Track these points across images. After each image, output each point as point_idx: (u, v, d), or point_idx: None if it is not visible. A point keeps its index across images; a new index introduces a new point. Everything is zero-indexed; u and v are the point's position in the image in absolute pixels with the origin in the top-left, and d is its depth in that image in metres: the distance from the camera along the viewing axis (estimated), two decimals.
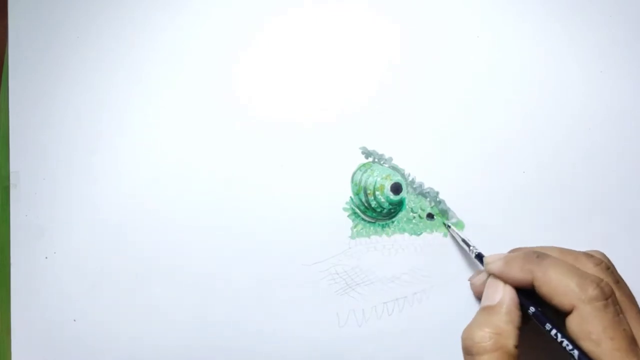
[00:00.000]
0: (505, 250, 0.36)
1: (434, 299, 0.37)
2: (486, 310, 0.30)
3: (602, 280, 0.28)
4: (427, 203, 0.38)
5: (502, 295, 0.30)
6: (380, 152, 0.39)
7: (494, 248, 0.37)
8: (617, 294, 0.28)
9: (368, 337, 0.37)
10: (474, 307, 0.36)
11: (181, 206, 0.39)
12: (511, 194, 0.38)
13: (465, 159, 0.38)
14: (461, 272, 0.37)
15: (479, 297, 0.33)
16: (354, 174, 0.39)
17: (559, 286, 0.28)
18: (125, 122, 0.40)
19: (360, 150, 0.39)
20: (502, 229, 0.38)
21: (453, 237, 0.37)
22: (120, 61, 0.41)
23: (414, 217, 0.38)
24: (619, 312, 0.27)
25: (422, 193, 0.38)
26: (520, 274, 0.30)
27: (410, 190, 0.38)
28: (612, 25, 0.40)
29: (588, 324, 0.26)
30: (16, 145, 0.40)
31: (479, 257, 0.34)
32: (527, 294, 0.30)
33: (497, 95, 0.39)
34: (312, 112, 0.39)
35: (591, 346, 0.26)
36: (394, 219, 0.38)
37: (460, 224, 0.38)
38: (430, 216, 0.38)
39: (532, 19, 0.40)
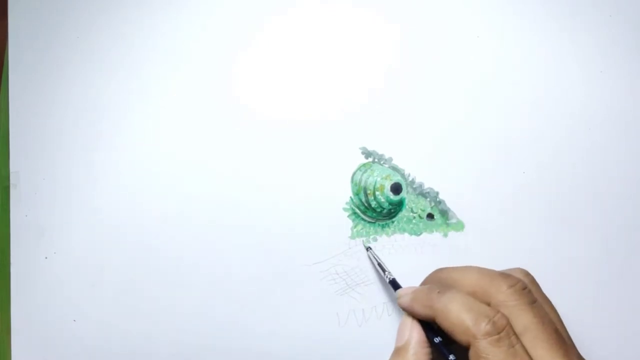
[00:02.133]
0: (505, 250, 0.36)
1: None
2: (396, 353, 0.31)
3: (496, 313, 0.28)
4: (427, 203, 0.38)
5: (409, 335, 0.31)
6: (380, 152, 0.39)
7: (494, 248, 0.37)
8: (529, 317, 0.28)
9: (368, 337, 0.37)
10: None
11: (181, 206, 0.39)
12: (511, 194, 0.38)
13: (465, 159, 0.38)
14: None
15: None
16: (354, 174, 0.39)
17: (455, 323, 0.28)
18: (125, 122, 0.40)
19: (360, 150, 0.39)
20: (502, 229, 0.38)
21: (370, 258, 0.37)
22: (120, 61, 0.41)
23: (414, 217, 0.38)
24: (513, 343, 0.27)
25: (422, 193, 0.38)
26: (423, 310, 0.30)
27: (410, 190, 0.38)
28: (612, 25, 0.40)
29: (482, 359, 0.27)
30: (16, 145, 0.40)
31: (393, 283, 0.35)
32: (436, 325, 0.30)
33: (497, 95, 0.39)
34: (312, 112, 0.39)
35: None
36: (394, 219, 0.38)
37: (460, 224, 0.38)
38: (430, 216, 0.38)
39: (532, 19, 0.40)
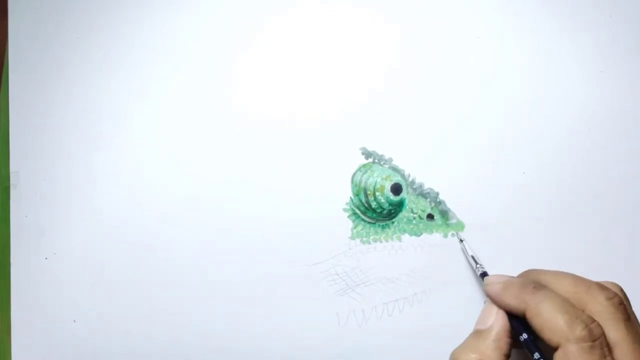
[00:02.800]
0: (505, 250, 0.36)
1: (434, 300, 0.37)
2: (476, 334, 0.31)
3: (593, 321, 0.27)
4: (427, 204, 0.38)
5: (494, 321, 0.30)
6: (380, 153, 0.39)
7: (493, 248, 0.37)
8: (622, 333, 0.28)
9: (368, 338, 0.37)
10: (473, 308, 0.36)
11: (181, 207, 0.39)
12: (511, 194, 0.38)
13: (466, 159, 0.38)
14: (461, 273, 0.37)
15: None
16: (354, 174, 0.39)
17: (548, 321, 0.28)
18: (125, 122, 0.40)
19: (360, 151, 0.39)
20: (502, 229, 0.38)
21: (463, 251, 0.37)
22: (120, 61, 0.41)
23: (414, 218, 0.38)
24: (605, 354, 0.27)
25: (422, 194, 0.38)
26: (513, 301, 0.30)
27: (411, 190, 0.38)
28: (612, 25, 0.40)
29: None
30: (16, 145, 0.40)
31: (483, 276, 0.35)
32: (522, 320, 0.30)
33: (497, 95, 0.39)
34: (312, 112, 0.39)
35: None
36: (394, 220, 0.38)
37: (460, 225, 0.38)
38: (430, 217, 0.38)
39: (532, 19, 0.40)
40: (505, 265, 0.37)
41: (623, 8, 0.40)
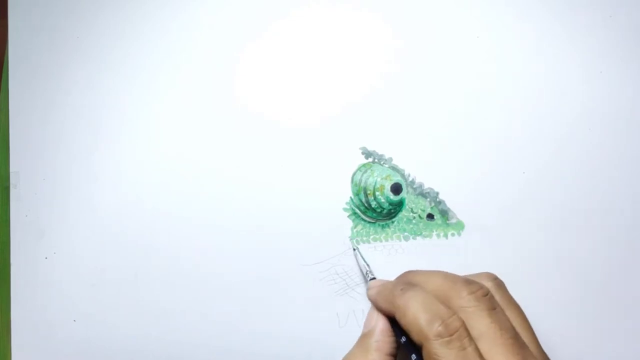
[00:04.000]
0: (505, 250, 0.36)
1: None
2: (361, 339, 0.32)
3: (451, 315, 0.28)
4: (427, 203, 0.38)
5: (375, 323, 0.31)
6: (380, 153, 0.39)
7: (493, 248, 0.37)
8: (486, 322, 0.28)
9: None
10: None
11: (180, 206, 0.39)
12: (511, 194, 0.38)
13: (465, 159, 0.38)
14: (461, 273, 0.37)
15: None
16: (354, 174, 0.39)
17: (412, 322, 0.28)
18: (125, 122, 0.40)
19: (360, 151, 0.39)
20: (502, 229, 0.38)
21: (356, 257, 0.38)
22: (121, 61, 0.41)
23: (414, 218, 0.38)
24: (465, 346, 0.27)
25: (422, 193, 0.38)
26: (385, 305, 0.31)
27: (410, 190, 0.38)
28: (612, 25, 0.40)
29: None
30: (16, 145, 0.40)
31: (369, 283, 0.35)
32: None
33: (497, 95, 0.39)
34: (313, 112, 0.39)
35: None
36: (394, 220, 0.38)
37: (460, 224, 0.38)
38: (430, 217, 0.38)
39: (532, 19, 0.40)
40: (505, 264, 0.37)
41: (623, 8, 0.40)
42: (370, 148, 0.39)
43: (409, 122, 0.39)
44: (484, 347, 0.27)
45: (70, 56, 0.41)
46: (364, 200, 0.38)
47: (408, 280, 0.32)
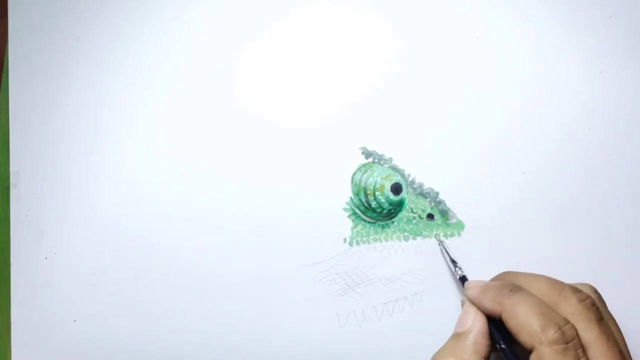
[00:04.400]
0: (505, 250, 0.36)
1: (434, 300, 0.37)
2: (454, 337, 0.31)
3: (567, 323, 0.27)
4: (427, 203, 0.38)
5: (472, 324, 0.30)
6: (380, 153, 0.39)
7: (494, 248, 0.37)
8: (595, 332, 0.28)
9: (368, 337, 0.37)
10: None
11: (181, 206, 0.39)
12: (511, 194, 0.38)
13: (465, 159, 0.38)
14: (461, 273, 0.37)
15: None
16: (354, 174, 0.39)
17: (523, 324, 0.28)
18: (125, 122, 0.40)
19: (360, 151, 0.39)
20: (502, 229, 0.38)
21: (442, 253, 0.37)
22: (121, 61, 0.41)
23: (414, 218, 0.38)
24: (579, 356, 0.27)
25: (422, 193, 0.38)
26: (490, 304, 0.30)
27: (410, 190, 0.38)
28: (612, 25, 0.40)
29: None
30: (16, 145, 0.40)
31: (462, 279, 0.35)
32: (501, 324, 0.30)
33: (497, 95, 0.39)
34: (313, 112, 0.39)
35: None
36: (394, 220, 0.38)
37: (460, 224, 0.38)
38: (430, 216, 0.38)
39: (532, 19, 0.40)
40: (505, 264, 0.37)
41: (623, 8, 0.40)
42: (370, 148, 0.39)
43: (409, 122, 0.39)
44: (592, 357, 0.27)
45: (70, 56, 0.41)
46: (364, 200, 0.38)
47: (513, 281, 0.31)
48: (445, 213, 0.38)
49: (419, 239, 0.38)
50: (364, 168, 0.39)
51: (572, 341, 0.27)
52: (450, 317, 0.37)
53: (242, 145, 0.39)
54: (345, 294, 0.38)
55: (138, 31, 0.41)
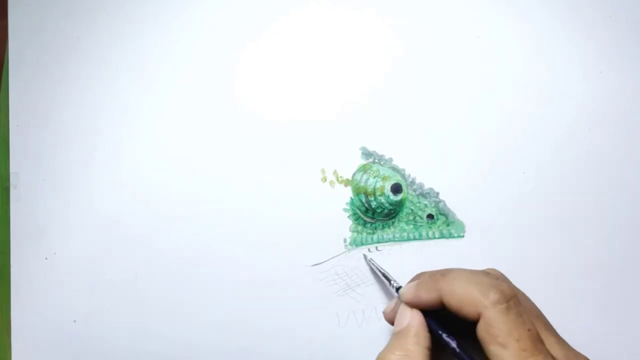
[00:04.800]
0: (505, 250, 0.36)
1: None
2: (396, 335, 0.31)
3: (502, 284, 0.28)
4: (427, 204, 0.38)
5: (410, 319, 0.31)
6: (380, 153, 0.39)
7: (494, 248, 0.37)
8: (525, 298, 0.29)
9: (368, 338, 0.37)
10: None
11: (180, 207, 0.39)
12: (511, 194, 0.38)
13: (465, 159, 0.38)
14: None
15: (392, 324, 0.34)
16: (354, 174, 0.39)
17: (463, 296, 0.28)
18: (125, 122, 0.40)
19: (360, 151, 0.39)
20: (502, 229, 0.38)
21: (372, 269, 0.38)
22: (120, 61, 0.41)
23: (414, 218, 0.38)
24: (522, 312, 0.27)
25: (422, 194, 0.38)
26: (428, 294, 0.30)
27: (411, 191, 0.38)
28: (612, 25, 0.40)
29: (493, 328, 0.27)
30: (16, 146, 0.40)
31: (398, 290, 0.34)
32: (441, 316, 0.30)
33: (497, 95, 0.39)
34: (313, 112, 0.39)
35: (498, 350, 0.26)
36: (394, 220, 0.38)
37: (460, 224, 0.38)
38: (430, 217, 0.38)
39: (532, 19, 0.40)
40: (505, 265, 0.37)
41: (623, 8, 0.40)
42: (370, 148, 0.39)
43: (409, 122, 0.39)
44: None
45: (70, 56, 0.41)
46: (364, 200, 0.38)
47: (441, 270, 0.32)
48: (445, 213, 0.38)
49: (419, 239, 0.38)
50: (364, 168, 0.39)
51: (512, 299, 0.27)
52: None
53: (242, 145, 0.39)
54: (346, 294, 0.38)
55: (138, 31, 0.41)
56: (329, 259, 0.38)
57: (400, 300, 0.33)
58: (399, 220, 0.38)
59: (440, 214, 0.38)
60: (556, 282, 0.37)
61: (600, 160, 0.38)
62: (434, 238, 0.38)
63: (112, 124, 0.40)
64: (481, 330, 0.27)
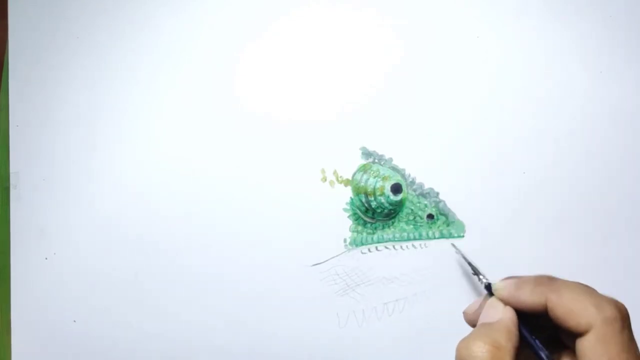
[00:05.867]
0: (505, 249, 0.36)
1: (434, 300, 0.37)
2: (486, 326, 0.29)
3: (618, 301, 0.27)
4: (427, 203, 0.38)
5: (503, 315, 0.30)
6: (380, 153, 0.39)
7: (494, 248, 0.37)
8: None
9: (368, 338, 0.37)
10: None
11: (180, 206, 0.39)
12: (511, 194, 0.38)
13: (466, 159, 0.38)
14: (461, 273, 0.37)
15: (473, 326, 0.32)
16: (354, 174, 0.39)
17: (574, 307, 0.27)
18: (125, 122, 0.40)
19: (360, 151, 0.39)
20: (503, 229, 0.38)
21: (462, 261, 0.37)
22: (120, 61, 0.41)
23: (414, 218, 0.38)
24: (632, 337, 0.26)
25: (423, 194, 0.38)
26: (532, 297, 0.29)
27: (411, 190, 0.38)
28: (612, 25, 0.40)
29: (603, 346, 0.26)
30: (16, 145, 0.40)
31: (488, 287, 0.33)
32: (529, 323, 0.29)
33: (497, 95, 0.39)
34: (313, 112, 0.39)
35: None
36: (394, 220, 0.38)
37: (460, 225, 0.38)
38: (430, 217, 0.38)
39: (532, 19, 0.40)
40: (505, 264, 0.37)
41: (623, 8, 0.40)
42: (370, 148, 0.39)
43: (409, 122, 0.39)
44: None
45: (70, 56, 0.41)
46: (364, 200, 0.38)
47: (546, 275, 0.31)
48: (445, 213, 0.38)
49: (419, 239, 0.38)
50: (364, 168, 0.39)
51: (628, 319, 0.26)
52: (450, 318, 0.37)
53: (242, 145, 0.39)
54: (346, 294, 0.38)
55: (138, 31, 0.41)
56: (329, 259, 0.38)
57: (490, 296, 0.31)
58: (399, 220, 0.38)
59: (440, 214, 0.38)
60: None
61: (601, 160, 0.38)
62: (434, 238, 0.38)
63: (112, 124, 0.40)
64: (588, 344, 0.26)
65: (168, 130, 0.40)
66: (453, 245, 0.37)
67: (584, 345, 0.26)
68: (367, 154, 0.39)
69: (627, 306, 0.37)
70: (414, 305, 0.37)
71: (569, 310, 0.27)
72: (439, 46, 0.40)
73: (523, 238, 0.38)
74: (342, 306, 0.37)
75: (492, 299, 0.31)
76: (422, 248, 0.38)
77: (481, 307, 0.32)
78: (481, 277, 0.34)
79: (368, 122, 0.39)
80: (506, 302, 0.30)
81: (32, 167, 0.40)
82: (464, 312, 0.33)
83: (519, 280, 0.30)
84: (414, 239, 0.38)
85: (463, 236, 0.38)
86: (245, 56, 0.40)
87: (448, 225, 0.38)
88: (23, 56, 0.41)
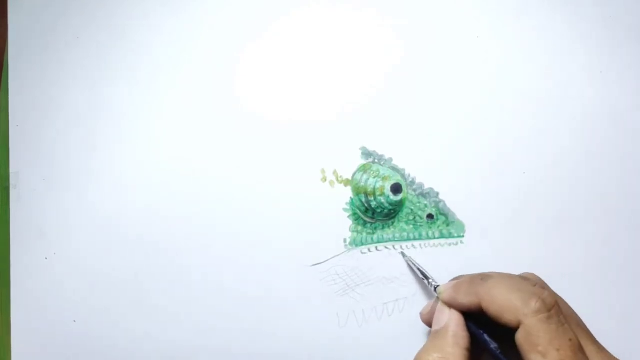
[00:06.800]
0: (505, 250, 0.36)
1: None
2: (434, 335, 0.31)
3: (544, 292, 0.28)
4: (428, 204, 0.38)
5: (448, 319, 0.31)
6: (380, 153, 0.39)
7: (494, 248, 0.37)
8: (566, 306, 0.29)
9: (368, 338, 0.37)
10: None
11: (180, 207, 0.39)
12: (511, 194, 0.38)
13: (466, 159, 0.38)
14: (460, 273, 0.37)
15: (429, 326, 0.34)
16: (354, 174, 0.39)
17: (503, 304, 0.28)
18: (125, 122, 0.40)
19: (360, 151, 0.39)
20: (502, 229, 0.38)
21: (410, 266, 0.37)
22: (120, 61, 0.41)
23: (414, 218, 0.38)
24: (563, 322, 0.27)
25: (423, 194, 0.38)
26: (467, 298, 0.30)
27: (411, 190, 0.38)
28: (612, 25, 0.40)
29: (533, 337, 0.27)
30: (16, 145, 0.40)
31: (437, 289, 0.35)
32: (480, 319, 0.30)
33: (497, 95, 0.39)
34: (313, 112, 0.39)
35: (538, 358, 0.26)
36: (394, 220, 0.38)
37: (460, 225, 0.38)
38: (430, 217, 0.38)
39: (532, 19, 0.40)
40: (505, 265, 0.37)
41: (623, 8, 0.40)
42: (370, 148, 0.39)
43: (409, 122, 0.39)
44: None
45: (70, 56, 0.41)
46: (364, 200, 0.38)
47: (481, 274, 0.32)
48: (445, 213, 0.38)
49: (419, 239, 0.38)
50: (364, 168, 0.39)
51: (554, 308, 0.27)
52: None
53: (242, 145, 0.39)
54: (346, 294, 0.38)
55: (138, 31, 0.41)
56: (329, 259, 0.38)
57: (438, 299, 0.32)
58: (399, 220, 0.38)
59: (440, 214, 0.38)
60: (556, 282, 0.37)
61: (601, 160, 0.38)
62: (434, 238, 0.38)
63: (112, 124, 0.40)
64: (521, 338, 0.27)
65: (168, 130, 0.40)
66: (402, 253, 0.38)
67: (518, 339, 0.27)
68: (367, 154, 0.39)
69: (627, 306, 0.37)
70: (414, 305, 0.37)
71: (499, 307, 0.28)
72: (439, 46, 0.40)
73: (523, 238, 0.38)
74: (342, 306, 0.37)
75: (440, 305, 0.32)
76: (422, 248, 0.38)
77: (432, 308, 0.33)
78: (430, 280, 0.35)
79: (368, 122, 0.39)
80: (449, 305, 0.32)
81: (32, 167, 0.40)
82: (420, 314, 0.35)
83: (457, 282, 0.32)
84: (414, 239, 0.38)
85: (463, 236, 0.38)
86: (245, 56, 0.40)
87: (448, 225, 0.38)
88: (23, 56, 0.41)
